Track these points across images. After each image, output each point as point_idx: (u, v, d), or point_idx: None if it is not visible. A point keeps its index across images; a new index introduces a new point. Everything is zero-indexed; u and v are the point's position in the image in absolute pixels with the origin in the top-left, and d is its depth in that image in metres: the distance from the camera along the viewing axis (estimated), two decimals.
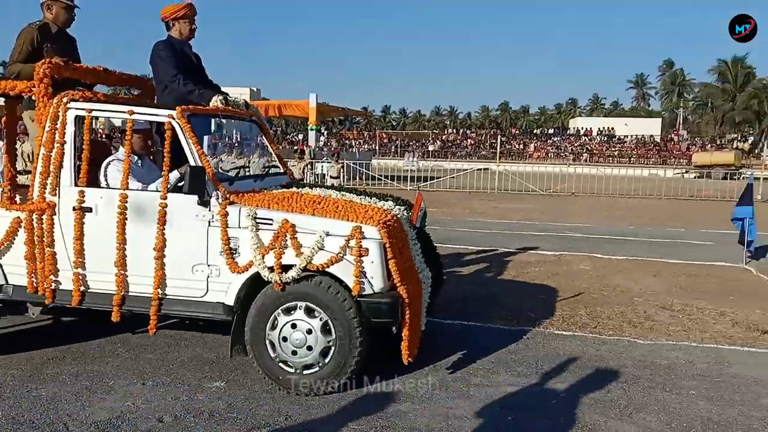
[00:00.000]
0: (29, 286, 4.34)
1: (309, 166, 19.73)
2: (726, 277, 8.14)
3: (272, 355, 4.06)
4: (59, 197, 4.26)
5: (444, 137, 67.53)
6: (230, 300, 4.11)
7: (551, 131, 72.44)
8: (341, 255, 3.89)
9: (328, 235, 3.93)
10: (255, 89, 55.85)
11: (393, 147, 59.15)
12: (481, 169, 26.60)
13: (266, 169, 5.58)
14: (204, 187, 4.02)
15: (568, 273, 8.10)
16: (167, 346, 4.91)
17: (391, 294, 3.97)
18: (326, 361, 4.00)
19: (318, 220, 4.02)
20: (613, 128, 65.12)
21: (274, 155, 5.65)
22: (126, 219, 4.15)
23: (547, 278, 7.71)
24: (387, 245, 3.93)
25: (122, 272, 4.20)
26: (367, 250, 3.89)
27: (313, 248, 3.88)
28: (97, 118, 4.36)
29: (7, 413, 3.70)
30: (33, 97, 4.34)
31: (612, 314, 6.10)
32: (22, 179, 5.07)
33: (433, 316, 4.77)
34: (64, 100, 4.24)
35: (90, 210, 4.22)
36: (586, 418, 3.79)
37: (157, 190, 4.20)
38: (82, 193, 4.21)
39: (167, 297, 4.20)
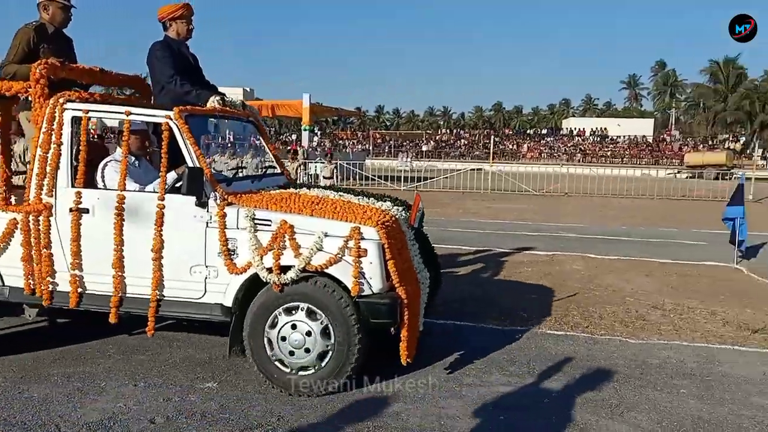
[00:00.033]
0: (26, 287, 4.32)
1: (302, 167, 19.70)
2: (717, 276, 8.18)
3: (269, 353, 4.06)
4: (56, 198, 4.24)
5: (437, 137, 67.64)
6: (228, 301, 4.10)
7: (544, 131, 72.60)
8: (340, 256, 3.89)
9: (326, 235, 3.93)
10: (248, 89, 55.80)
11: (386, 147, 59.16)
12: (474, 170, 26.63)
13: (264, 170, 5.56)
14: (202, 188, 4.01)
15: (560, 273, 8.12)
16: (159, 347, 4.90)
17: (389, 295, 3.97)
18: (322, 364, 4.01)
19: (316, 220, 4.01)
20: (605, 128, 65.39)
21: (271, 156, 5.63)
22: (123, 220, 4.14)
23: (540, 278, 7.73)
24: (386, 246, 3.94)
25: (120, 274, 4.19)
26: (366, 250, 3.89)
27: (312, 249, 3.88)
28: (89, 119, 4.33)
29: None
30: (29, 98, 4.32)
31: (604, 314, 6.13)
32: (15, 180, 5.05)
33: (427, 316, 4.76)
34: (61, 100, 4.23)
35: (87, 211, 4.20)
36: (577, 418, 3.80)
37: (154, 191, 4.20)
38: (78, 194, 4.20)
39: (165, 298, 4.19)
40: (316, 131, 46.46)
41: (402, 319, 4.00)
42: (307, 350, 4.00)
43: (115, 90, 6.39)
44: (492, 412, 3.86)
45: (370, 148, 55.63)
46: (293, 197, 4.24)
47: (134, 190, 4.25)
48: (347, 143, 58.97)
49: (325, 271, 3.91)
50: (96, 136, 4.44)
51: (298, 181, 8.00)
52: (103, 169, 4.40)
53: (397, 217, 4.36)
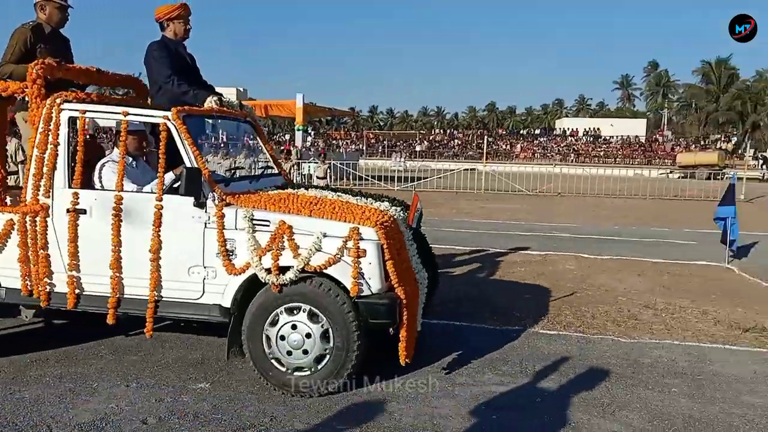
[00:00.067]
0: (23, 289, 4.30)
1: (295, 167, 19.68)
2: (709, 276, 8.23)
3: (266, 350, 4.05)
4: (53, 199, 4.23)
5: (431, 138, 67.59)
6: (227, 302, 4.09)
7: (538, 132, 72.77)
8: (339, 256, 3.89)
9: (325, 236, 3.93)
10: (242, 89, 55.66)
11: (380, 147, 59.14)
12: (467, 170, 26.66)
13: (261, 170, 5.55)
14: (200, 189, 4.01)
15: (553, 273, 8.15)
16: (151, 347, 4.88)
17: (389, 295, 3.98)
18: (318, 367, 4.01)
19: (315, 221, 4.01)
20: (598, 129, 65.53)
21: (268, 156, 5.62)
22: (121, 221, 4.13)
23: (533, 278, 7.76)
24: (384, 246, 3.94)
25: (117, 275, 4.17)
26: (365, 251, 3.89)
27: (311, 249, 3.88)
28: (86, 119, 4.32)
29: None
30: (26, 98, 4.30)
31: (596, 313, 6.16)
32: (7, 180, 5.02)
33: (425, 316, 4.76)
34: (58, 101, 4.21)
35: (84, 212, 4.19)
36: (570, 417, 3.82)
37: (152, 192, 4.19)
38: (76, 194, 4.18)
39: (163, 299, 4.18)
40: (309, 131, 46.40)
41: (401, 320, 4.00)
42: (305, 352, 4.00)
43: (107, 90, 6.37)
44: (485, 412, 3.87)
45: (364, 148, 55.60)
46: (292, 198, 4.23)
47: (132, 191, 4.24)
48: (341, 143, 58.91)
49: (324, 271, 3.91)
50: (88, 136, 4.41)
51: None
52: (101, 169, 4.39)
53: (395, 217, 4.36)
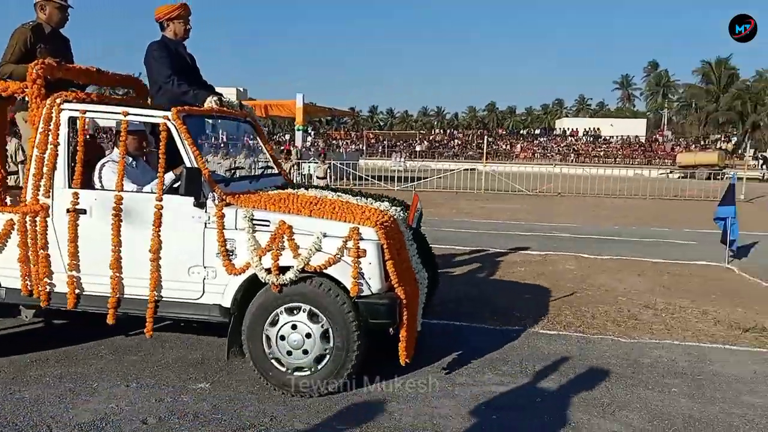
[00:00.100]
0: (23, 289, 4.30)
1: (295, 167, 19.68)
2: (708, 276, 8.23)
3: (266, 350, 4.05)
4: (53, 199, 4.22)
5: (431, 138, 67.59)
6: (227, 302, 4.09)
7: (538, 132, 72.77)
8: (339, 256, 3.89)
9: (325, 236, 3.92)
10: (242, 89, 55.68)
11: (380, 147, 59.15)
12: (467, 170, 26.66)
13: (261, 170, 5.55)
14: (200, 189, 4.01)
15: (553, 273, 8.15)
16: (151, 347, 4.88)
17: (389, 295, 3.97)
18: (318, 367, 4.01)
19: (315, 221, 4.01)
20: (598, 129, 65.52)
21: (268, 156, 5.61)
22: (121, 221, 4.13)
23: (533, 278, 7.76)
24: (385, 246, 3.94)
25: (117, 275, 4.17)
26: (365, 251, 3.89)
27: (311, 250, 3.88)
28: (86, 119, 4.31)
29: None
30: (26, 98, 4.30)
31: (596, 313, 6.15)
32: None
33: (425, 316, 4.76)
34: (58, 101, 4.21)
35: (84, 212, 4.19)
36: (569, 417, 3.82)
37: (152, 192, 4.18)
38: (76, 194, 4.18)
39: (163, 299, 4.18)
40: (309, 131, 46.40)
41: (401, 320, 4.00)
42: (305, 352, 4.00)
43: (107, 90, 6.37)
44: (484, 412, 3.87)
45: (364, 148, 55.61)
46: (291, 198, 4.23)
47: (132, 191, 4.23)
48: (341, 143, 58.92)
49: (324, 271, 3.91)
50: (88, 136, 4.41)
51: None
52: (101, 169, 4.39)
53: (395, 217, 4.36)
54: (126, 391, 4.07)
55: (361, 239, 3.90)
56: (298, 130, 28.17)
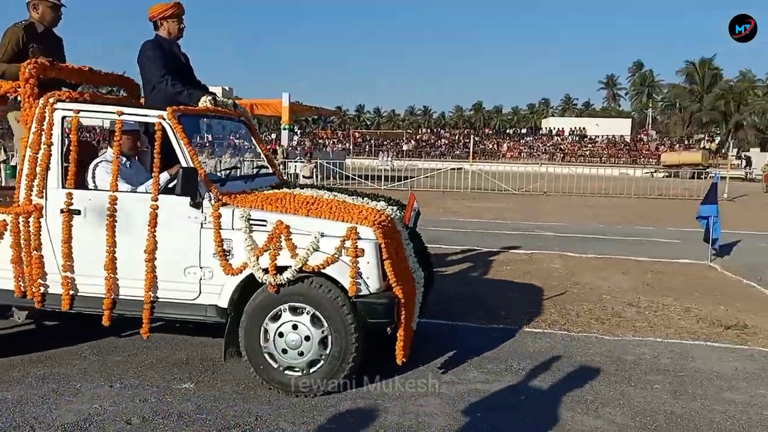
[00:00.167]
0: (16, 290, 4.24)
1: (282, 166, 19.65)
2: (691, 274, 8.32)
3: (262, 344, 4.04)
4: (46, 199, 4.18)
5: (418, 137, 67.66)
6: (223, 302, 4.07)
7: (524, 131, 73.03)
8: (337, 256, 3.88)
9: (323, 236, 3.92)
10: (227, 88, 55.40)
11: (367, 146, 59.13)
12: (454, 169, 26.74)
13: (257, 170, 5.52)
14: (196, 189, 3.98)
15: (539, 271, 8.20)
16: (135, 348, 4.86)
17: (387, 294, 3.97)
18: (311, 370, 4.01)
19: (313, 221, 4.00)
20: (584, 128, 65.91)
21: (263, 156, 5.57)
22: (116, 221, 4.10)
23: (519, 277, 7.80)
24: (382, 246, 3.94)
25: (112, 275, 4.13)
26: (363, 250, 3.88)
27: (309, 249, 3.87)
28: (79, 119, 4.28)
29: None
30: (18, 98, 4.26)
31: (581, 311, 6.20)
32: None
33: (420, 315, 4.77)
34: (51, 100, 4.16)
35: (78, 212, 4.15)
36: (554, 414, 3.85)
37: (146, 192, 4.16)
38: (69, 195, 4.14)
39: (159, 300, 4.15)
40: (295, 130, 46.28)
41: (399, 319, 4.01)
42: (301, 353, 3.99)
43: (92, 88, 6.32)
44: (470, 410, 3.89)
45: (351, 147, 55.58)
46: (288, 197, 4.22)
47: (126, 191, 4.20)
48: (327, 142, 58.84)
49: (322, 271, 3.91)
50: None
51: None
52: (94, 169, 4.35)
53: (392, 216, 4.37)
54: (110, 391, 4.05)
55: (359, 239, 3.90)
56: (284, 129, 28.08)
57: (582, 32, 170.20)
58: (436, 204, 17.68)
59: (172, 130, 4.09)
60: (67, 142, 4.20)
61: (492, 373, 4.52)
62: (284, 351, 4.01)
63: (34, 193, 4.17)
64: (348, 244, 3.88)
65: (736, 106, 60.57)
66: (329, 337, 3.95)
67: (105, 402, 3.87)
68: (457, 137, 66.02)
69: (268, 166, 5.49)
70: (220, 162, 13.19)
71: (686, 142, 59.55)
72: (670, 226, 13.66)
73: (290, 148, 28.75)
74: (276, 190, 4.54)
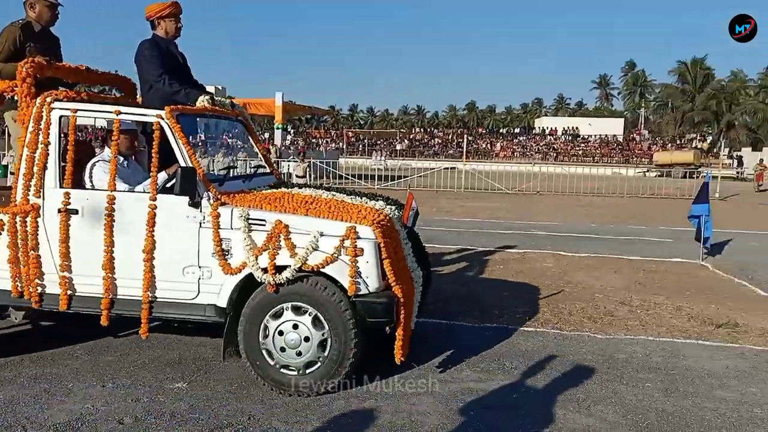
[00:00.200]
0: (13, 290, 4.22)
1: (275, 166, 19.62)
2: (683, 273, 8.37)
3: (261, 340, 4.03)
4: (43, 199, 4.16)
5: (411, 136, 67.67)
6: (222, 302, 4.06)
7: (517, 131, 73.19)
8: (336, 255, 3.88)
9: (322, 235, 3.91)
10: (220, 87, 55.27)
11: (360, 146, 59.12)
12: (448, 168, 26.77)
13: (254, 169, 5.51)
14: (195, 188, 3.97)
15: (532, 270, 8.22)
16: (127, 347, 4.85)
17: (386, 294, 3.97)
18: (307, 371, 4.01)
19: (312, 220, 4.00)
20: (577, 128, 66.09)
21: (260, 155, 5.55)
22: (114, 221, 4.08)
23: (511, 276, 7.82)
24: (382, 245, 3.94)
25: (110, 275, 4.12)
26: (362, 250, 3.88)
27: (308, 249, 3.87)
28: (77, 118, 4.26)
29: None
30: (15, 97, 4.24)
31: (573, 310, 6.22)
32: None
33: (418, 315, 4.78)
34: (48, 99, 4.14)
35: (76, 212, 4.13)
36: (546, 412, 3.86)
37: (144, 192, 4.14)
38: (67, 194, 4.12)
39: (157, 300, 4.13)
40: (289, 130, 46.24)
41: (398, 318, 4.01)
42: (299, 353, 3.99)
43: (84, 87, 6.30)
44: (463, 409, 3.90)
45: (344, 146, 55.54)
46: (287, 197, 4.22)
47: (124, 191, 4.19)
48: (320, 142, 58.78)
49: (322, 270, 3.90)
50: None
51: None
52: (91, 169, 4.33)
53: (391, 216, 4.37)
54: (102, 391, 4.04)
55: (359, 238, 3.90)
56: (278, 128, 28.08)
57: (575, 32, 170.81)
58: (429, 203, 17.70)
59: (171, 130, 4.07)
60: (64, 141, 4.18)
61: (485, 371, 4.53)
62: (282, 349, 4.01)
63: (32, 193, 4.15)
64: (347, 243, 3.88)
65: (728, 106, 60.89)
66: (329, 340, 3.95)
67: (97, 402, 3.86)
68: (450, 137, 66.11)
69: (266, 165, 5.48)
70: (213, 161, 13.15)
71: (678, 142, 59.83)
72: (662, 225, 13.73)
73: (283, 148, 28.73)
74: (274, 190, 4.54)
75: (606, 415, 3.85)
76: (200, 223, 4.04)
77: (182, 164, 4.02)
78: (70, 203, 4.12)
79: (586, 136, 63.45)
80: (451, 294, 6.73)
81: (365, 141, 62.27)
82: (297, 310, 3.99)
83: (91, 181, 4.30)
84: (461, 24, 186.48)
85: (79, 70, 4.69)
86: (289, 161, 23.24)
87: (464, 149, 36.50)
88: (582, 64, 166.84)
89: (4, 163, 21.71)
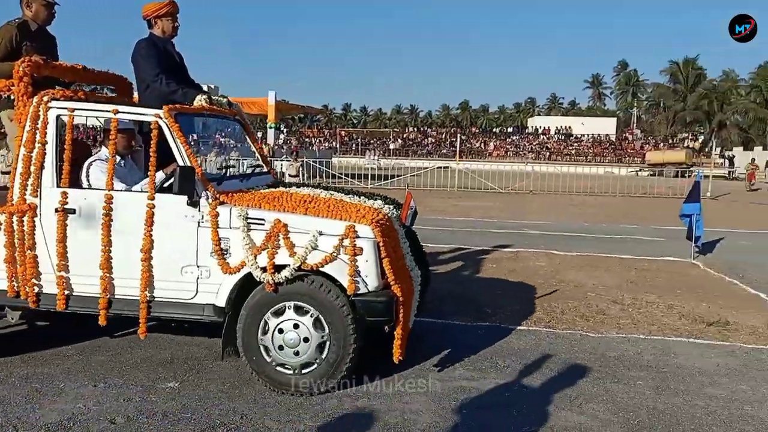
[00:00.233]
0: (10, 290, 4.19)
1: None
2: (674, 271, 8.41)
3: (260, 336, 4.03)
4: (41, 198, 4.14)
5: (405, 136, 67.75)
6: (221, 301, 4.05)
7: (510, 130, 73.39)
8: (335, 254, 3.87)
9: (321, 234, 3.91)
10: (213, 86, 55.12)
11: (354, 145, 59.12)
12: (441, 168, 26.81)
13: (252, 169, 5.51)
14: (194, 188, 3.95)
15: (525, 269, 8.24)
16: (119, 347, 4.83)
17: (385, 293, 3.97)
18: (303, 372, 4.00)
19: (311, 219, 4.00)
20: (570, 127, 66.36)
21: (257, 155, 5.53)
22: (111, 220, 4.06)
23: (504, 275, 7.84)
24: (381, 244, 3.94)
25: (108, 275, 4.10)
26: (362, 249, 3.88)
27: (307, 248, 3.86)
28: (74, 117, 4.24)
29: None
30: (11, 96, 4.22)
31: (566, 309, 6.24)
32: None
33: (417, 314, 4.79)
34: (45, 99, 4.12)
35: (73, 211, 4.11)
36: (538, 410, 3.88)
37: (142, 191, 4.13)
38: (64, 194, 4.09)
39: (155, 299, 4.12)
40: (282, 129, 46.16)
41: (397, 317, 4.01)
42: (296, 353, 3.98)
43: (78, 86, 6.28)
44: (455, 407, 3.91)
45: (337, 146, 55.52)
46: (285, 196, 4.21)
47: (121, 190, 4.17)
48: (314, 141, 58.75)
49: (321, 269, 3.90)
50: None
51: None
52: (88, 168, 4.31)
53: (389, 215, 4.37)
54: (93, 391, 4.02)
55: (358, 237, 3.90)
56: (270, 127, 28.07)
57: (568, 32, 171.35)
58: (422, 203, 17.68)
59: (169, 129, 4.06)
60: (61, 140, 4.16)
61: (478, 370, 4.54)
62: (280, 347, 4.00)
63: (29, 193, 4.13)
64: (346, 242, 3.88)
65: (720, 106, 61.29)
66: (328, 343, 3.95)
67: (89, 401, 3.85)
68: (443, 136, 66.21)
69: (263, 165, 5.47)
70: (206, 161, 13.13)
71: (670, 141, 60.15)
72: (654, 224, 13.79)
73: (276, 147, 28.68)
74: (272, 189, 4.54)
75: (598, 413, 3.87)
76: (199, 223, 4.03)
77: (181, 163, 4.01)
78: (67, 203, 4.10)
79: (578, 136, 63.68)
80: (444, 293, 6.73)
81: (358, 140, 62.28)
82: (299, 310, 3.99)
83: (88, 181, 4.28)
84: (455, 24, 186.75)
85: (75, 69, 4.67)
86: (282, 160, 23.20)
87: (457, 148, 36.48)
88: (575, 63, 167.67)
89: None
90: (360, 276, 3.90)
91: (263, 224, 3.99)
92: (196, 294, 4.09)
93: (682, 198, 12.73)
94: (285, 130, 54.66)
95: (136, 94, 5.06)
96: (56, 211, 4.10)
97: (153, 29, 4.81)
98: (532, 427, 3.66)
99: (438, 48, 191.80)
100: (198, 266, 4.05)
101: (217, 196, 4.04)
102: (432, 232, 11.36)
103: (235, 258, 3.99)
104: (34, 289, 4.18)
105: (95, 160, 4.36)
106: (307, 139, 59.80)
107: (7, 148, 4.67)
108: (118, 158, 4.29)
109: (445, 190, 22.95)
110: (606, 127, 66.69)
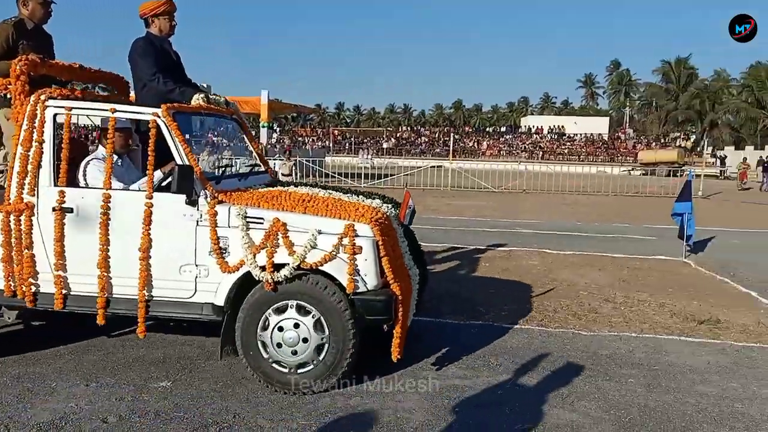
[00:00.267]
0: (6, 290, 4.17)
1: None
2: (666, 270, 8.45)
3: (259, 332, 4.02)
4: (38, 197, 4.12)
5: (398, 135, 67.73)
6: (220, 300, 4.04)
7: (503, 129, 73.45)
8: (334, 253, 3.88)
9: (320, 233, 3.91)
10: (205, 85, 54.98)
11: (347, 144, 59.06)
12: (434, 167, 26.83)
13: (250, 168, 5.50)
14: (192, 186, 3.95)
15: (517, 268, 8.26)
16: (111, 346, 4.82)
17: (384, 291, 3.98)
18: (299, 371, 4.00)
19: (310, 218, 4.00)
20: (563, 126, 66.48)
21: (254, 154, 5.53)
22: (109, 219, 4.05)
23: (497, 273, 7.86)
24: (380, 243, 3.95)
25: (106, 274, 4.09)
26: (361, 247, 3.89)
27: (306, 247, 3.86)
28: (72, 116, 4.22)
29: None
30: (8, 95, 4.20)
31: (558, 307, 6.27)
32: None
33: (416, 313, 4.79)
34: (42, 97, 4.11)
35: (71, 210, 4.09)
36: (530, 408, 3.90)
37: (140, 190, 4.12)
38: (62, 193, 4.08)
39: (154, 299, 4.11)
40: (274, 128, 46.07)
41: (396, 316, 4.02)
42: (294, 353, 3.98)
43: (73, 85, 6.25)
44: (447, 405, 3.92)
45: (330, 145, 55.47)
46: (284, 195, 4.21)
47: (119, 189, 4.16)
48: (307, 140, 58.67)
49: (320, 268, 3.90)
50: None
51: None
52: (86, 167, 4.29)
53: (388, 214, 4.38)
54: (86, 390, 4.01)
55: (357, 236, 3.91)
56: (263, 126, 27.98)
57: (561, 32, 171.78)
58: (416, 202, 17.63)
59: (167, 128, 4.05)
60: (58, 139, 4.15)
61: (470, 368, 4.56)
62: (279, 345, 4.00)
63: (26, 191, 4.11)
64: (345, 241, 3.88)
65: (711, 105, 61.61)
66: (326, 346, 3.95)
67: (81, 401, 3.84)
68: (437, 135, 66.21)
69: (261, 164, 5.46)
70: (198, 160, 13.08)
71: (662, 141, 60.40)
72: (646, 223, 13.86)
73: (269, 146, 28.62)
74: (271, 188, 4.53)
75: (589, 410, 3.89)
76: (197, 222, 4.02)
77: (179, 162, 4.00)
78: (64, 202, 4.09)
79: (571, 135, 63.83)
80: (437, 292, 6.74)
81: (352, 139, 62.20)
82: (301, 310, 3.98)
83: (85, 180, 4.26)
84: (451, 24, 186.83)
85: (72, 67, 4.66)
86: (275, 159, 23.15)
87: (451, 148, 36.60)
88: (567, 63, 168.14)
89: None
90: (359, 275, 3.90)
91: (262, 223, 3.99)
92: (194, 293, 4.08)
93: (674, 197, 12.79)
94: (278, 129, 54.61)
95: (132, 93, 5.05)
96: (53, 210, 4.08)
97: (150, 28, 4.81)
98: (524, 425, 3.68)
99: (433, 48, 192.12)
100: (197, 265, 4.05)
101: (216, 195, 4.04)
102: (426, 232, 11.36)
103: (234, 257, 3.99)
104: (31, 289, 4.16)
105: (92, 159, 4.35)
106: (300, 138, 59.70)
107: (4, 146, 4.62)
108: (115, 157, 4.28)
109: (439, 189, 22.97)
110: (598, 126, 66.86)
